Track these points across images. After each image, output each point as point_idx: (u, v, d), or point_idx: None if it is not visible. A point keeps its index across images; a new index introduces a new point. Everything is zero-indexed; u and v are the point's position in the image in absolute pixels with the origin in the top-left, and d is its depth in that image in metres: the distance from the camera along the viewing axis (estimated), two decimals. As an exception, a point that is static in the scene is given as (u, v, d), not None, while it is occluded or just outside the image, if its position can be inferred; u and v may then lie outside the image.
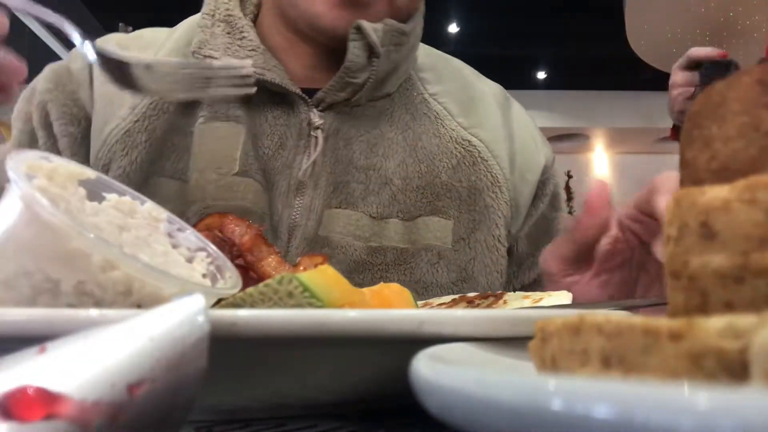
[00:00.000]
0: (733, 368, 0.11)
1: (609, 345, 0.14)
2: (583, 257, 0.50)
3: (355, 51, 0.60)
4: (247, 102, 0.63)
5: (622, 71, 5.03)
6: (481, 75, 0.76)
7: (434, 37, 5.14)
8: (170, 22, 0.72)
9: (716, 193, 0.16)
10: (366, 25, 0.59)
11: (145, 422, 0.17)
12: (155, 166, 0.61)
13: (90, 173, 0.33)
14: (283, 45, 0.66)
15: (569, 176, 6.17)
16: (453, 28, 5.07)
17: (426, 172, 0.65)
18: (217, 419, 0.29)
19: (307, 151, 0.62)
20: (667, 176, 0.44)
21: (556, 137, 6.18)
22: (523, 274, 0.69)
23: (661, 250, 0.41)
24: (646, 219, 0.47)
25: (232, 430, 0.27)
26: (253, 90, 0.56)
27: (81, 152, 0.64)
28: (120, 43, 0.68)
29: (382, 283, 0.37)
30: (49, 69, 0.67)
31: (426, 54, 0.73)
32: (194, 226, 0.39)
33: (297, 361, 0.26)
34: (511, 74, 5.50)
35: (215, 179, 0.60)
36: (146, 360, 0.17)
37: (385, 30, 0.60)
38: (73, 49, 0.68)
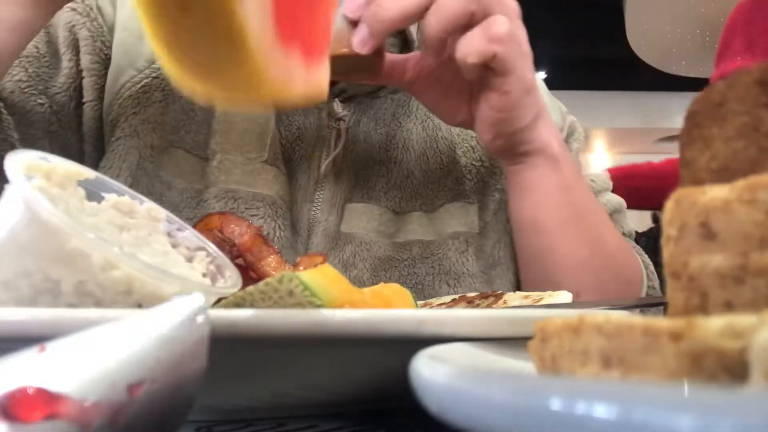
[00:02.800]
0: (733, 368, 0.11)
1: (609, 345, 0.14)
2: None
3: (390, 48, 0.58)
4: None
5: (622, 71, 5.04)
6: None
7: (434, 37, 5.14)
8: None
9: (716, 193, 0.16)
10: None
11: (145, 422, 0.17)
12: (175, 135, 0.57)
13: (89, 173, 0.33)
14: None
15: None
16: (453, 28, 5.07)
17: (447, 162, 0.62)
18: (217, 419, 0.29)
19: (326, 144, 0.60)
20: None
21: (556, 137, 6.17)
22: None
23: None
24: None
25: (232, 430, 0.27)
26: None
27: (100, 102, 0.58)
28: None
29: (382, 283, 0.37)
30: (72, 4, 0.57)
31: None
32: (194, 225, 0.39)
33: (297, 361, 0.26)
34: (511, 74, 5.51)
35: (243, 163, 0.56)
36: (146, 360, 0.17)
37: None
38: None
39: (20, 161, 0.29)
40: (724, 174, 0.21)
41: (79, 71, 0.57)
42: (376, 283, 0.38)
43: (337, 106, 0.59)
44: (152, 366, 0.17)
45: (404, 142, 0.62)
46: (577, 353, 0.15)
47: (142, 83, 0.56)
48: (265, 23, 0.19)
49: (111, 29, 0.59)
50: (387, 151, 0.61)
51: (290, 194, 0.58)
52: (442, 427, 0.15)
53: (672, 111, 5.78)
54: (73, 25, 0.57)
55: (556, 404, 0.10)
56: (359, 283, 0.55)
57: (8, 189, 0.28)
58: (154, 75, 0.57)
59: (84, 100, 0.58)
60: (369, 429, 0.28)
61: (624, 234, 0.65)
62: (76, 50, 0.57)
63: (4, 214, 0.27)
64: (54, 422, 0.15)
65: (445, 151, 0.63)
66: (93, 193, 0.33)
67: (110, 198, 0.33)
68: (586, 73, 5.42)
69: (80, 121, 0.58)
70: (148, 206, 0.35)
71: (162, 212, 0.35)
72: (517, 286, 0.63)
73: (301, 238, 0.58)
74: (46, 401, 0.15)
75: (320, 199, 0.59)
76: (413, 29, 0.59)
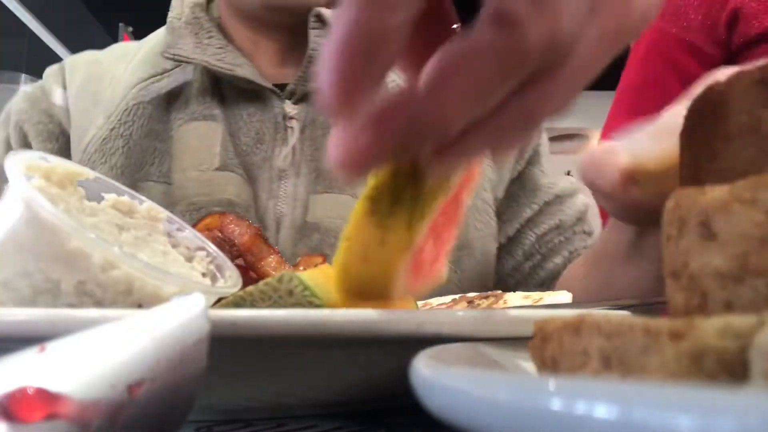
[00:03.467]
0: (733, 368, 0.11)
1: (609, 345, 0.14)
2: None
3: (316, 40, 0.62)
4: (221, 101, 0.65)
5: (622, 71, 5.04)
6: None
7: (434, 37, 5.14)
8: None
9: (716, 193, 0.16)
10: (326, 12, 0.62)
11: (145, 422, 0.17)
12: (140, 172, 0.63)
13: (88, 173, 0.33)
14: (247, 46, 0.67)
15: (569, 176, 6.18)
16: (453, 29, 5.07)
17: None
18: (217, 419, 0.29)
19: (285, 142, 0.64)
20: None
21: (556, 137, 6.18)
22: (506, 227, 0.69)
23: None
24: None
25: (232, 430, 0.27)
26: None
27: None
28: (92, 59, 0.71)
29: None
30: (22, 92, 0.69)
31: None
32: (194, 226, 0.39)
33: (297, 361, 0.26)
34: (511, 75, 5.51)
35: (197, 176, 0.61)
36: (146, 360, 0.17)
37: None
38: (47, 69, 0.71)
39: (20, 161, 0.29)
40: (725, 174, 0.21)
41: None
42: None
43: (288, 107, 0.64)
44: (152, 366, 0.17)
45: None
46: (576, 353, 0.15)
47: (104, 137, 0.63)
48: (407, 270, 0.28)
49: (57, 102, 0.67)
50: None
51: (254, 193, 0.62)
52: (442, 427, 0.15)
53: (672, 111, 5.77)
54: (19, 124, 0.66)
55: (555, 404, 0.10)
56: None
57: (8, 189, 0.28)
58: (111, 127, 0.64)
59: None
60: (369, 429, 0.28)
61: (585, 233, 0.67)
62: (26, 143, 0.66)
63: (4, 214, 0.27)
64: (54, 422, 0.15)
65: None
66: (93, 193, 0.33)
67: (110, 198, 0.33)
68: (586, 74, 5.42)
69: None
70: (148, 206, 0.35)
71: (162, 212, 0.35)
72: (487, 268, 0.66)
73: (270, 233, 0.62)
74: (46, 401, 0.15)
75: (283, 194, 0.63)
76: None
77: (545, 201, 0.68)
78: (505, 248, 0.70)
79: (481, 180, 0.66)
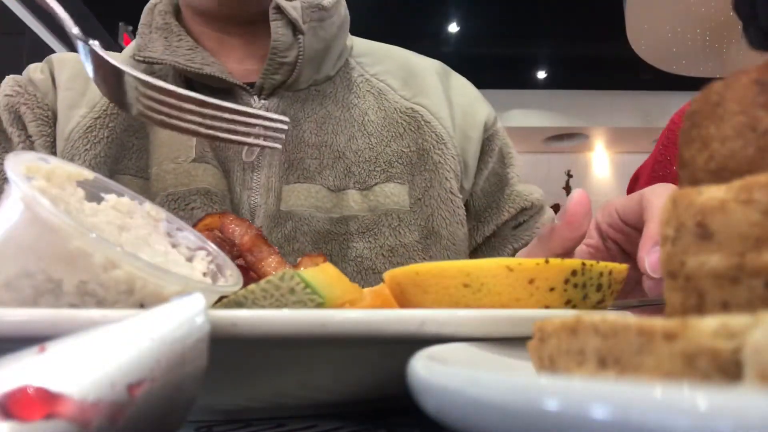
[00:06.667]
0: (727, 368, 0.11)
1: (605, 345, 0.14)
2: None
3: (278, 30, 0.63)
4: None
5: (622, 71, 5.04)
6: (420, 54, 0.80)
7: (434, 37, 5.15)
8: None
9: (713, 193, 0.16)
10: (284, 3, 0.63)
11: (145, 422, 0.17)
12: (119, 164, 0.64)
13: (88, 174, 0.33)
14: (213, 47, 0.69)
15: (569, 176, 6.17)
16: (453, 28, 5.07)
17: (376, 143, 0.68)
18: (217, 419, 0.29)
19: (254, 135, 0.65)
20: (661, 194, 0.43)
21: (556, 137, 6.17)
22: (483, 227, 0.73)
23: (641, 260, 0.40)
24: (630, 231, 0.46)
25: (232, 430, 0.27)
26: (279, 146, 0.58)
27: (55, 153, 0.67)
28: (77, 58, 0.71)
29: (383, 283, 0.37)
30: (10, 78, 0.69)
31: (364, 44, 0.77)
32: (194, 226, 0.39)
33: (297, 361, 0.26)
34: (511, 74, 5.52)
35: (173, 168, 0.62)
36: (146, 360, 0.17)
37: (303, 6, 0.64)
38: (31, 65, 0.72)
39: (20, 162, 0.29)
40: (722, 174, 0.21)
41: (29, 137, 0.66)
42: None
43: (255, 102, 0.66)
44: (152, 366, 0.17)
45: (333, 127, 0.68)
46: (574, 353, 0.15)
47: (88, 125, 0.65)
48: None
49: (47, 92, 0.68)
50: (317, 136, 0.67)
51: (229, 185, 0.64)
52: (443, 427, 0.15)
53: (672, 111, 5.76)
54: (11, 105, 0.66)
55: (550, 405, 0.10)
56: (302, 254, 0.60)
57: (8, 189, 0.28)
58: (96, 116, 0.65)
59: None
60: (369, 429, 0.28)
61: None
62: (21, 124, 0.67)
63: (5, 215, 0.27)
64: (54, 422, 0.15)
65: (374, 134, 0.69)
66: (92, 194, 0.33)
67: (110, 198, 0.33)
68: (586, 73, 5.42)
69: None
70: (148, 206, 0.35)
71: (162, 212, 0.35)
72: (457, 255, 0.69)
73: None
74: (46, 401, 0.15)
75: (257, 185, 0.64)
76: (294, 14, 0.63)
77: (522, 207, 0.72)
78: (480, 248, 0.73)
79: (442, 171, 0.69)
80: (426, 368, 0.16)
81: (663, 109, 5.86)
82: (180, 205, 0.61)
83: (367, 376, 0.28)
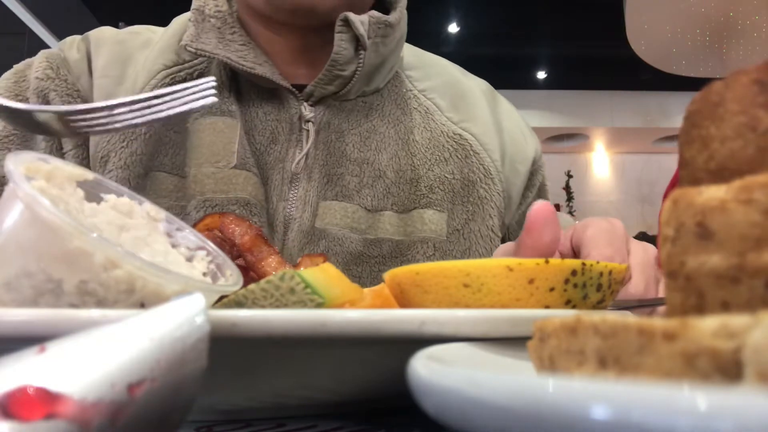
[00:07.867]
0: (727, 368, 0.11)
1: (605, 345, 0.14)
2: None
3: (342, 44, 0.61)
4: (238, 97, 0.64)
5: (622, 71, 5.04)
6: (468, 72, 0.78)
7: (434, 37, 5.15)
8: (170, 21, 0.72)
9: (713, 193, 0.16)
10: (353, 17, 0.60)
11: (145, 422, 0.17)
12: (154, 161, 0.62)
13: (88, 174, 0.33)
14: (265, 44, 0.66)
15: (569, 176, 6.17)
16: (453, 28, 5.07)
17: (419, 165, 0.66)
18: (217, 419, 0.29)
19: (299, 144, 0.63)
20: (587, 224, 0.44)
21: (556, 137, 6.17)
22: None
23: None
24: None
25: (232, 430, 0.27)
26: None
27: (85, 143, 0.64)
28: (116, 38, 0.68)
29: (383, 283, 0.37)
30: (43, 57, 0.66)
31: (412, 54, 0.75)
32: (194, 226, 0.39)
33: (297, 361, 0.26)
34: (511, 74, 5.52)
35: (213, 172, 0.60)
36: (146, 360, 0.17)
37: (372, 22, 0.61)
38: (67, 38, 0.68)
39: (20, 162, 0.29)
40: (722, 174, 0.21)
41: None
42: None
43: (305, 109, 0.63)
44: (152, 366, 0.17)
45: (377, 143, 0.65)
46: (573, 353, 0.15)
47: None
48: None
49: (80, 75, 0.65)
50: (360, 151, 0.65)
51: (266, 194, 0.62)
52: (443, 427, 0.15)
53: (672, 111, 5.79)
54: (41, 90, 0.63)
55: (550, 405, 0.10)
56: None
57: (8, 189, 0.28)
58: None
59: (64, 150, 0.64)
60: (369, 429, 0.28)
61: None
62: None
63: (4, 215, 0.27)
64: (54, 422, 0.15)
65: (417, 154, 0.66)
66: (92, 194, 0.33)
67: (109, 199, 0.33)
68: (586, 73, 5.42)
69: None
70: (148, 207, 0.35)
71: (161, 212, 0.35)
72: None
73: (277, 235, 0.62)
74: (46, 401, 0.15)
75: (294, 198, 0.62)
76: (362, 29, 0.61)
77: None
78: None
79: (486, 207, 0.67)
80: (426, 368, 0.16)
81: (663, 109, 5.86)
82: (217, 212, 0.60)
83: (366, 376, 0.28)
